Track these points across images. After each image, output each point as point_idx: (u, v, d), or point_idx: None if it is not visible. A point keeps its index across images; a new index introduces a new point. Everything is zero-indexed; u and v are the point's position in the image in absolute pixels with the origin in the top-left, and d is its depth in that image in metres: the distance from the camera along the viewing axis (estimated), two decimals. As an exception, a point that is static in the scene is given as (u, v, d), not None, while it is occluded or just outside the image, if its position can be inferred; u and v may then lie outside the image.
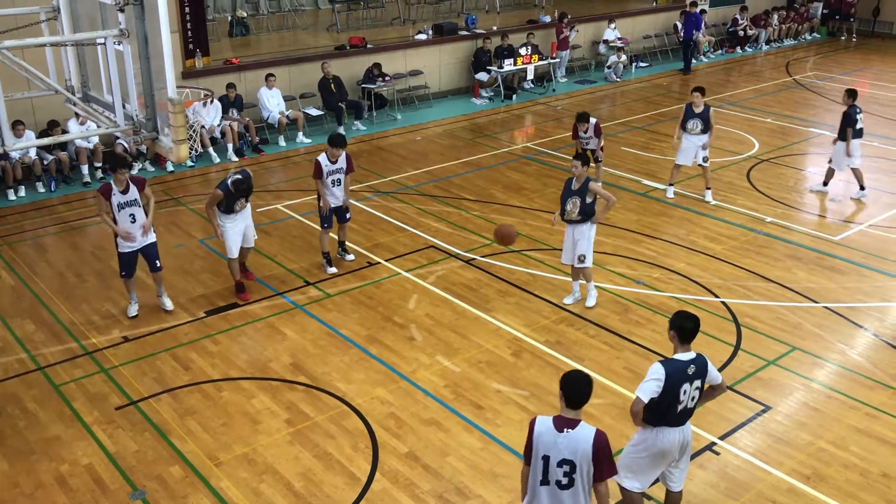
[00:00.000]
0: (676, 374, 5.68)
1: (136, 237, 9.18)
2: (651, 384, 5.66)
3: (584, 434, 5.07)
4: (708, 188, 12.89)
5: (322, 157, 10.19)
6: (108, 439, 7.44)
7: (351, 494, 6.81)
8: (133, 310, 9.54)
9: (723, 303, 9.86)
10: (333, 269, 10.53)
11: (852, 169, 13.00)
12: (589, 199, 9.19)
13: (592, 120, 12.72)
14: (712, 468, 7.14)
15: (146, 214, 9.22)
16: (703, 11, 22.43)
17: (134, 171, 14.04)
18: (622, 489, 6.07)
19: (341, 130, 16.34)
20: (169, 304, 9.64)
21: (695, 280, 10.39)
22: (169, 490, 6.84)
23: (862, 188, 13.06)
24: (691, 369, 5.73)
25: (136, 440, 7.43)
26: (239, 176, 9.44)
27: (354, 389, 8.17)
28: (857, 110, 12.86)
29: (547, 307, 9.74)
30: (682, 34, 21.97)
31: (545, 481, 5.11)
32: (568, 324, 9.39)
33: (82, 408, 7.88)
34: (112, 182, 9.01)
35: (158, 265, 9.45)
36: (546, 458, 5.07)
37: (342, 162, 10.26)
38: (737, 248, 11.30)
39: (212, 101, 14.25)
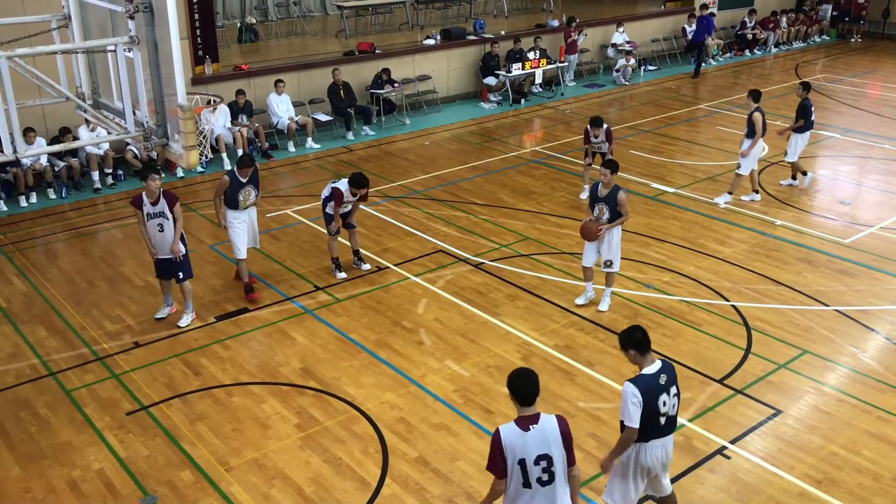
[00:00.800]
0: (651, 390, 5.62)
1: (164, 249, 9.17)
2: (633, 409, 5.57)
3: (549, 425, 5.09)
4: (730, 192, 12.91)
5: (343, 186, 10.09)
6: (119, 444, 7.47)
7: (361, 499, 6.82)
8: (162, 312, 9.63)
9: (733, 306, 9.83)
10: (343, 274, 10.54)
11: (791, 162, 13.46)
12: (618, 207, 9.26)
13: (605, 126, 12.69)
14: (723, 472, 7.11)
15: (174, 232, 9.16)
16: (712, 14, 22.40)
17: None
18: None
19: (350, 136, 16.39)
20: (185, 321, 9.49)
21: (705, 284, 10.36)
22: (180, 495, 6.86)
23: (794, 178, 13.64)
24: (662, 379, 5.69)
25: (147, 445, 7.46)
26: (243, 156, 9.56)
27: (364, 394, 8.18)
28: (811, 103, 13.40)
29: (557, 311, 9.73)
30: (689, 37, 21.94)
31: (527, 484, 5.09)
32: (578, 328, 9.38)
33: (94, 413, 7.92)
34: (143, 193, 9.04)
35: (181, 277, 9.34)
36: (522, 462, 5.04)
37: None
38: (747, 251, 11.27)
39: (215, 108, 14.28)
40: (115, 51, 6.51)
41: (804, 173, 13.53)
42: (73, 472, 7.12)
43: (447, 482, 6.99)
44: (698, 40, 21.71)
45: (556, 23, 20.89)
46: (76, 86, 7.64)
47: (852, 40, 26.53)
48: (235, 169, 9.65)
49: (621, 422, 5.66)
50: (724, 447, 7.41)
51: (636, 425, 5.58)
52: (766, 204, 12.91)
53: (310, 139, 15.91)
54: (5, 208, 12.79)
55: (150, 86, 6.51)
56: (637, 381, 5.63)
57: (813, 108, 13.42)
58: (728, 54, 24.24)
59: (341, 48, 18.33)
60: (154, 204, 9.02)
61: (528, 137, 16.83)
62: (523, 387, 5.08)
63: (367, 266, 10.77)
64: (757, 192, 13.04)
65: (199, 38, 15.56)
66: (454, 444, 7.44)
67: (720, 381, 8.37)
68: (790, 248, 11.37)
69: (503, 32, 20.08)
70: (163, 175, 13.82)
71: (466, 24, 20.86)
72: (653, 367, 5.69)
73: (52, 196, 13.30)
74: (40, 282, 10.53)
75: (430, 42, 18.87)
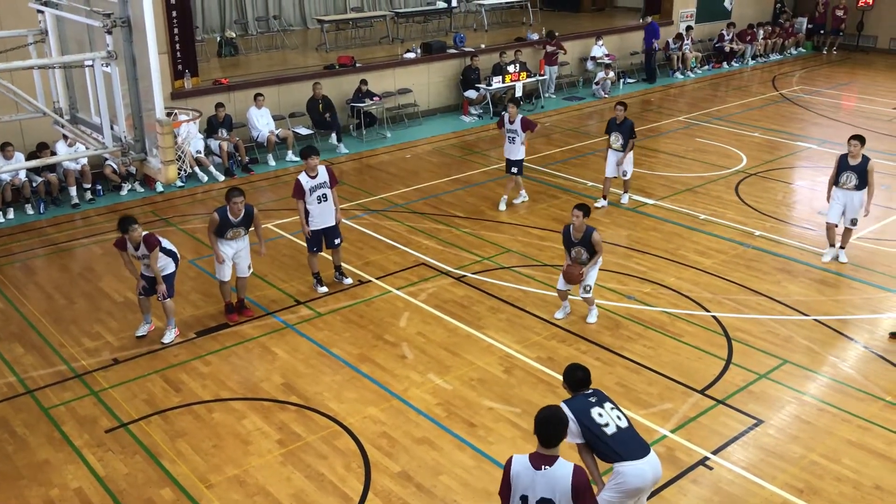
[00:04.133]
0: (580, 406, 5.84)
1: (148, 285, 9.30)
2: (570, 425, 5.67)
3: (562, 471, 4.96)
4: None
5: (302, 175, 10.11)
6: (98, 462, 7.38)
7: (343, 515, 6.77)
8: (142, 329, 9.55)
9: (713, 317, 9.88)
10: (324, 289, 10.50)
11: (625, 180, 13.41)
12: (594, 248, 9.34)
13: (520, 115, 13.13)
14: (705, 483, 7.12)
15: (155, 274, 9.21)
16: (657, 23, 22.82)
17: (124, 192, 14.04)
18: None
19: (343, 149, 16.35)
20: (168, 337, 9.41)
21: (685, 294, 10.41)
22: (160, 513, 6.79)
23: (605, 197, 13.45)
24: (593, 398, 5.93)
25: (127, 463, 7.37)
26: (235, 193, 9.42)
27: (346, 409, 8.14)
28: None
29: (538, 323, 9.74)
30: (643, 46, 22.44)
31: None
32: (559, 340, 9.38)
33: (72, 431, 7.82)
34: (126, 238, 9.04)
35: (163, 297, 9.27)
36: (524, 498, 5.00)
37: (323, 175, 10.16)
38: (726, 261, 11.34)
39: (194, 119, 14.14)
40: (92, 66, 6.46)
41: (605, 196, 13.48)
42: (50, 492, 7.02)
43: (430, 497, 6.95)
44: (647, 47, 22.23)
45: (535, 36, 21.02)
46: (53, 101, 7.57)
47: (825, 52, 26.86)
48: (227, 206, 9.40)
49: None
50: (707, 458, 7.42)
51: (577, 440, 5.80)
52: (745, 215, 13.01)
53: (290, 153, 15.87)
54: (-18, 224, 12.67)
55: (129, 100, 6.46)
56: (567, 401, 5.89)
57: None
58: (706, 66, 24.48)
59: (322, 62, 18.34)
60: (137, 248, 9.05)
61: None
62: (548, 428, 5.04)
63: (348, 280, 10.72)
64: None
65: (178, 53, 15.52)
66: (437, 459, 7.41)
67: (701, 392, 8.39)
68: (769, 259, 11.45)
69: (483, 46, 20.18)
70: (126, 190, 13.94)
71: (447, 37, 20.93)
72: (581, 392, 5.99)
73: (30, 211, 13.17)
74: (17, 298, 10.42)
75: (411, 55, 18.93)
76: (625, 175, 13.28)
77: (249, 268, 9.90)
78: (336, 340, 9.39)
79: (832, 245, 11.38)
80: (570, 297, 9.83)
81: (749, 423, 7.91)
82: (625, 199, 13.53)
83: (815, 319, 9.85)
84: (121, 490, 7.03)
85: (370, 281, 10.76)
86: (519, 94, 19.67)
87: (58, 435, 7.77)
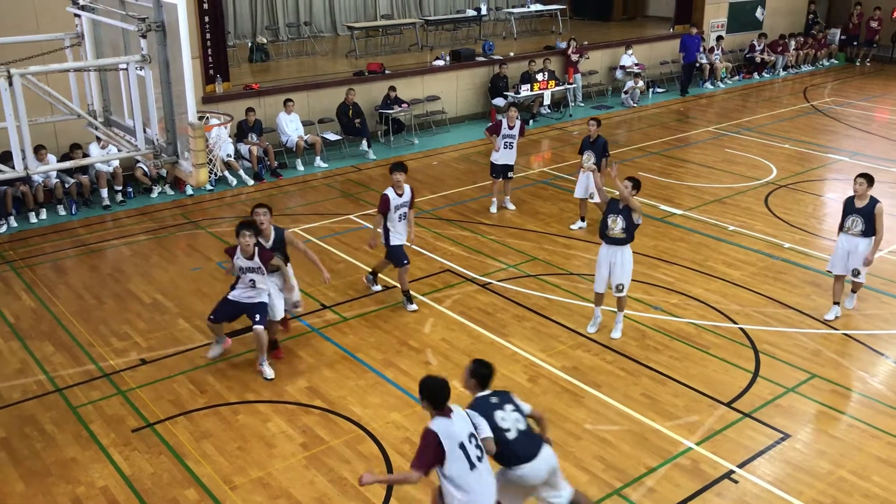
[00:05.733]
0: (483, 408, 5.89)
1: (245, 296, 8.61)
2: (480, 420, 5.81)
3: (460, 409, 5.67)
4: (853, 291, 10.26)
5: (389, 191, 9.84)
6: (125, 462, 7.45)
7: (366, 520, 6.78)
8: (215, 350, 8.97)
9: (741, 329, 9.79)
10: (414, 307, 10.19)
11: (594, 203, 12.50)
12: (635, 218, 9.11)
13: (519, 120, 13.01)
14: (731, 496, 7.05)
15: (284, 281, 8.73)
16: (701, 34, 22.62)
17: (154, 194, 14.20)
18: None
19: (372, 154, 16.42)
20: (267, 371, 8.73)
21: (712, 306, 10.33)
22: (184, 513, 6.84)
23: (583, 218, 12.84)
24: (494, 399, 5.98)
25: (152, 463, 7.44)
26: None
27: (370, 414, 8.16)
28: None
29: (564, 332, 9.70)
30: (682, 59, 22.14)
31: (472, 466, 5.46)
32: (585, 349, 9.34)
33: (99, 430, 7.91)
34: (239, 247, 8.38)
35: (258, 318, 8.55)
36: (462, 445, 5.45)
37: (408, 195, 9.91)
38: (755, 273, 11.24)
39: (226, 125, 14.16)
40: (126, 69, 6.56)
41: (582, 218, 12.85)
42: (77, 489, 7.10)
43: None
44: (687, 61, 21.98)
45: (564, 45, 20.99)
46: (88, 103, 7.69)
47: (858, 63, 26.55)
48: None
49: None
50: (732, 471, 7.35)
51: (490, 433, 5.81)
52: (774, 227, 12.88)
53: (318, 158, 15.97)
54: (15, 224, 12.85)
55: (161, 104, 6.55)
56: (472, 406, 5.94)
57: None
58: (736, 77, 24.30)
59: (351, 68, 18.45)
60: (249, 258, 8.41)
61: (536, 158, 16.87)
62: (439, 395, 5.60)
63: (413, 307, 10.19)
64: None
65: (210, 57, 15.68)
66: (460, 465, 7.38)
67: (728, 405, 8.31)
68: (798, 271, 11.33)
69: (512, 54, 20.18)
70: (157, 192, 14.04)
71: (476, 45, 20.97)
72: (484, 393, 6.03)
73: (62, 212, 13.37)
74: (49, 298, 10.56)
75: (440, 63, 18.98)
76: (591, 198, 12.35)
77: (293, 305, 9.24)
78: (361, 345, 9.42)
79: (836, 303, 10.02)
80: (598, 306, 9.79)
81: (776, 437, 7.82)
82: (575, 226, 12.69)
83: (845, 333, 9.72)
84: (146, 489, 7.10)
85: (395, 287, 10.78)
86: (547, 102, 19.66)
87: (85, 433, 7.86)
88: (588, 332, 9.67)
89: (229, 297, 8.73)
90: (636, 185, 9.19)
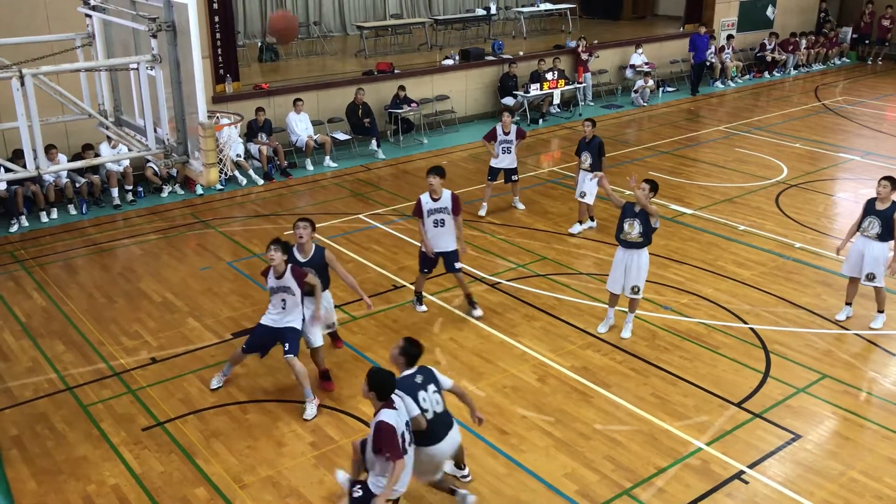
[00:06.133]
0: (408, 387, 6.24)
1: (279, 320, 8.05)
2: (409, 402, 6.17)
3: (399, 400, 6.07)
4: (880, 311, 9.84)
5: (424, 195, 9.59)
6: (135, 460, 7.48)
7: (375, 519, 6.77)
8: (216, 381, 8.54)
9: (751, 329, 9.75)
10: (423, 308, 10.12)
11: (585, 203, 12.40)
12: (653, 222, 9.10)
13: (514, 125, 13.04)
14: (741, 497, 7.02)
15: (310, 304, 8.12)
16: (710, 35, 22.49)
17: (164, 194, 14.24)
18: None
19: (381, 154, 16.42)
20: (310, 412, 8.05)
21: (723, 306, 10.29)
22: (194, 512, 6.86)
23: (592, 218, 12.72)
24: (419, 378, 6.34)
25: (163, 461, 7.46)
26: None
27: (379, 413, 8.15)
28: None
29: (573, 332, 9.69)
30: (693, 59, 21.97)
31: (405, 451, 5.95)
32: (595, 349, 9.32)
33: (110, 428, 7.94)
34: (270, 268, 7.92)
35: (288, 347, 8.00)
36: (402, 434, 5.92)
37: (445, 201, 9.50)
38: (765, 273, 11.19)
39: (236, 124, 14.14)
40: (137, 69, 6.58)
41: (592, 218, 12.73)
42: (88, 487, 7.13)
43: None
44: (697, 60, 21.81)
45: (573, 44, 20.96)
46: (98, 103, 7.73)
47: (869, 62, 26.40)
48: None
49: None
50: (742, 472, 7.32)
51: (418, 411, 6.20)
52: (785, 226, 12.82)
53: (328, 158, 15.99)
54: (27, 224, 12.92)
55: (172, 104, 6.57)
56: (399, 381, 6.26)
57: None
58: (747, 76, 24.21)
59: (360, 68, 18.46)
60: (279, 277, 7.90)
61: (545, 158, 16.84)
62: (386, 387, 6.00)
63: (478, 312, 9.95)
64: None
65: (220, 57, 15.72)
66: (469, 465, 7.38)
67: (738, 405, 8.28)
68: (809, 271, 11.28)
69: (521, 53, 20.16)
70: (167, 192, 14.07)
71: (485, 44, 20.96)
72: (410, 371, 6.39)
73: (73, 212, 13.43)
74: (60, 297, 10.61)
75: (449, 62, 18.98)
76: (583, 197, 12.30)
77: (326, 327, 8.75)
78: (370, 345, 9.43)
79: (848, 303, 9.92)
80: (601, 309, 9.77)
81: (787, 438, 7.79)
82: (574, 229, 12.48)
83: (856, 334, 9.67)
84: (156, 488, 7.12)
85: (404, 286, 10.79)
86: (556, 101, 19.63)
87: (96, 432, 7.89)
88: (598, 332, 9.65)
89: (262, 321, 8.18)
90: (654, 187, 9.17)
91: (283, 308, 8.02)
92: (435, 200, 9.57)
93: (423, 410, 6.22)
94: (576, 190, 12.65)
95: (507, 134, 12.94)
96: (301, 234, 8.31)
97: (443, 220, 9.58)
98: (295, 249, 8.35)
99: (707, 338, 9.56)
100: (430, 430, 6.28)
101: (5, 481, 7.16)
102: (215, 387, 8.51)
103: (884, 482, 7.19)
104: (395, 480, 5.96)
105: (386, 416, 5.92)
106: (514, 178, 13.34)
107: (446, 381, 6.54)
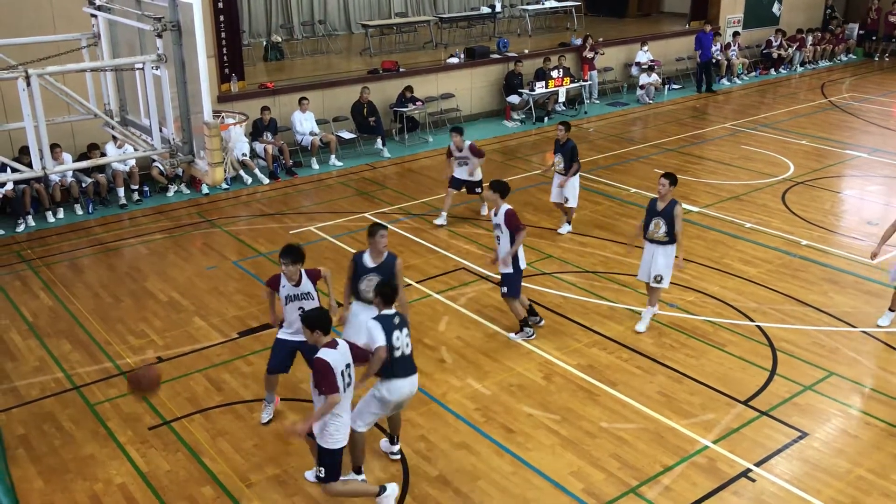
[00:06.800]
0: (386, 324, 6.79)
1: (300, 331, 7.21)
2: (378, 333, 6.72)
3: (343, 343, 6.43)
4: (891, 309, 9.77)
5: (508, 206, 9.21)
6: (142, 459, 7.50)
7: (381, 517, 6.78)
8: (267, 412, 8.04)
9: (758, 327, 9.73)
10: (536, 322, 9.70)
11: (567, 207, 12.29)
12: (677, 225, 9.21)
13: (467, 142, 12.61)
14: (748, 495, 7.01)
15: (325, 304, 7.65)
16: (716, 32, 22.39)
17: (170, 193, 14.27)
18: (354, 432, 6.84)
19: (386, 153, 16.42)
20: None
21: (729, 304, 10.26)
22: (200, 510, 6.87)
23: (569, 222, 12.53)
24: (396, 320, 6.87)
25: (169, 460, 7.48)
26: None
27: (385, 411, 8.15)
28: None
29: (579, 330, 9.68)
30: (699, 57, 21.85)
31: (344, 390, 6.30)
32: (600, 347, 9.31)
33: (116, 427, 7.96)
34: (282, 274, 7.45)
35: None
36: (341, 373, 6.25)
37: (500, 217, 9.13)
38: (772, 271, 11.16)
39: (241, 123, 14.03)
40: (142, 69, 6.59)
41: (569, 222, 12.52)
42: (95, 486, 7.15)
43: (468, 501, 6.94)
44: (703, 59, 21.70)
45: (579, 41, 20.93)
46: (104, 103, 7.74)
47: (876, 59, 26.29)
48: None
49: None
50: (749, 470, 7.30)
51: (384, 342, 6.71)
52: (792, 224, 12.79)
53: (333, 156, 16.00)
54: (33, 223, 12.95)
55: (177, 103, 6.58)
56: (378, 317, 6.85)
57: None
58: (753, 73, 24.13)
59: (366, 66, 18.46)
60: (296, 285, 7.46)
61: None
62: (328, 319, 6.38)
63: (540, 321, 9.72)
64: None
65: (225, 57, 15.73)
66: (475, 464, 7.39)
67: (745, 403, 8.26)
68: (816, 269, 11.24)
69: (527, 51, 20.13)
70: (173, 192, 14.09)
71: (490, 42, 20.94)
72: (390, 311, 6.89)
73: (79, 212, 13.46)
74: (66, 296, 10.64)
75: (454, 60, 18.96)
76: (566, 202, 12.24)
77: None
78: (376, 343, 9.41)
79: (892, 309, 9.73)
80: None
81: (793, 436, 7.77)
82: (563, 230, 12.41)
83: (863, 331, 9.64)
84: (163, 486, 7.14)
85: (410, 285, 10.79)
86: (562, 99, 19.60)
87: (103, 431, 7.91)
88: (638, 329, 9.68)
89: (279, 336, 7.75)
90: (673, 180, 9.29)
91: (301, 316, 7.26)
92: (494, 216, 9.27)
93: (395, 349, 6.78)
94: (551, 192, 12.46)
95: (460, 151, 12.65)
96: (383, 242, 7.80)
97: (498, 237, 9.26)
98: (368, 254, 7.84)
99: (713, 336, 9.53)
100: (394, 366, 6.81)
101: (6, 482, 7.18)
102: (266, 420, 7.98)
103: (891, 480, 7.17)
104: (323, 411, 6.21)
105: (325, 353, 6.21)
106: (478, 190, 12.91)
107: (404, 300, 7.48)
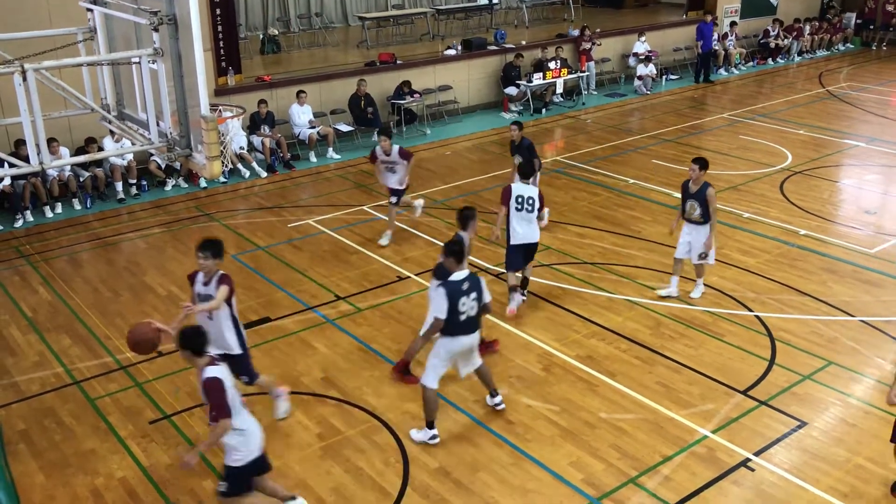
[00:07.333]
0: (455, 292, 7.01)
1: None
2: (441, 302, 6.97)
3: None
4: None
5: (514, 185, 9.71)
6: (142, 453, 7.51)
7: (382, 509, 6.81)
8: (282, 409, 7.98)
9: (757, 317, 9.74)
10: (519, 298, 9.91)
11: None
12: (711, 208, 9.64)
13: (396, 146, 11.60)
14: (747, 484, 7.03)
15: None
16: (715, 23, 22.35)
17: (168, 187, 14.25)
18: (424, 388, 7.36)
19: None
20: (283, 409, 7.91)
21: (728, 294, 10.28)
22: (201, 504, 6.89)
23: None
24: (465, 285, 7.08)
25: (170, 454, 7.49)
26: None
27: (385, 404, 8.18)
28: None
29: (578, 321, 9.69)
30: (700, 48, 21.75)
31: (243, 405, 6.18)
32: (599, 338, 9.33)
33: (117, 422, 7.97)
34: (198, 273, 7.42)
35: (246, 380, 7.55)
36: (233, 386, 6.05)
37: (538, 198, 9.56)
38: (770, 261, 11.17)
39: (238, 117, 13.83)
40: (139, 63, 6.57)
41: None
42: (96, 481, 7.17)
43: (468, 493, 6.96)
44: (704, 49, 21.63)
45: (576, 33, 20.90)
46: (101, 97, 7.72)
47: (874, 48, 26.26)
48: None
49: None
50: (748, 459, 7.33)
51: (442, 316, 7.03)
52: (790, 213, 12.80)
53: (331, 149, 15.98)
54: (31, 219, 12.94)
55: (174, 97, 6.56)
56: (445, 284, 7.03)
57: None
58: (751, 63, 24.11)
59: (363, 59, 18.43)
60: (206, 284, 7.40)
61: (549, 147, 16.80)
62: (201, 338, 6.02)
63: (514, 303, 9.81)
64: None
65: (222, 50, 15.71)
66: (475, 455, 7.41)
67: (744, 393, 8.28)
68: (814, 258, 11.26)
69: (524, 43, 20.10)
70: (170, 185, 14.09)
71: (487, 34, 20.90)
72: (460, 275, 7.11)
73: (77, 206, 13.45)
74: (65, 291, 10.64)
75: (451, 52, 18.93)
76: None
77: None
78: (375, 336, 9.44)
79: None
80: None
81: (792, 425, 7.79)
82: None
83: (861, 320, 9.66)
84: (164, 480, 7.15)
85: (409, 277, 10.79)
86: (559, 90, 19.58)
87: (103, 425, 7.92)
88: (658, 294, 10.17)
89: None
90: (703, 164, 9.67)
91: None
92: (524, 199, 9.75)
93: (461, 313, 7.05)
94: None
95: (388, 155, 11.87)
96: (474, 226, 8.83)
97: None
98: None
99: (712, 326, 9.55)
100: (456, 328, 7.11)
101: (5, 478, 7.19)
102: (284, 414, 8.01)
103: (890, 468, 7.19)
104: (215, 439, 5.89)
105: (212, 372, 5.87)
106: (394, 200, 11.86)
107: (487, 296, 7.34)
